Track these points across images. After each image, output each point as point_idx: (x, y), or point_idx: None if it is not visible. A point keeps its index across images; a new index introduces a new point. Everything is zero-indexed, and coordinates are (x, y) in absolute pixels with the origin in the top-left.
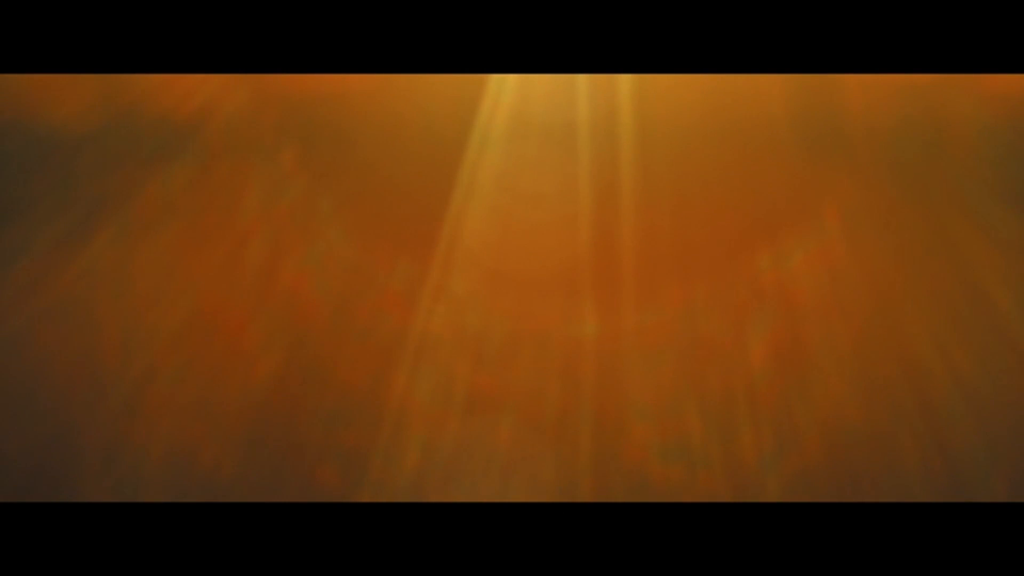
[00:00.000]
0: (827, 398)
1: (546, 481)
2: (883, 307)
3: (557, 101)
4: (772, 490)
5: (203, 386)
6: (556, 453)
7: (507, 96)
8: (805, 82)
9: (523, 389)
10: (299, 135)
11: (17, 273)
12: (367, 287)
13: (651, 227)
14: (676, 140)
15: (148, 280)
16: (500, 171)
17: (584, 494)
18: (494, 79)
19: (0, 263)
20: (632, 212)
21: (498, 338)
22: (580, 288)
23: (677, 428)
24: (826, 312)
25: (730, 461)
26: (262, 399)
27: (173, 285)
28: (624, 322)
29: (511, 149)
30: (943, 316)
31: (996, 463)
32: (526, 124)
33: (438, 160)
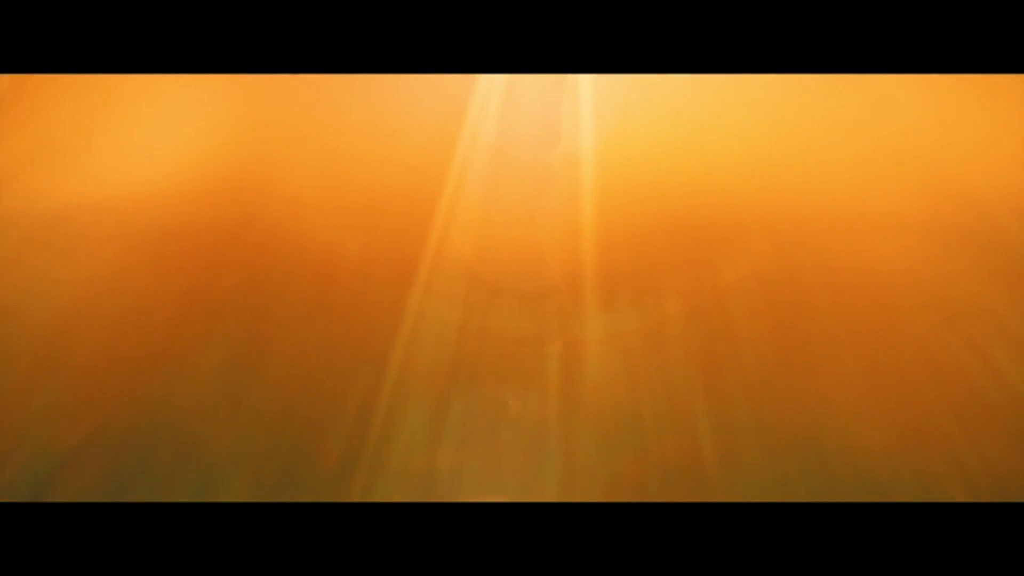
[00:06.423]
0: (844, 396)
1: (545, 482)
2: (898, 304)
3: (550, 102)
4: (773, 490)
5: (181, 384)
6: (556, 454)
7: (497, 97)
8: (809, 80)
9: (519, 390)
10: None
11: None
12: (358, 287)
13: (649, 227)
14: (676, 141)
15: (134, 275)
16: (491, 173)
17: (585, 495)
18: (484, 79)
19: None
20: (630, 213)
21: (494, 340)
22: (579, 288)
23: (679, 428)
24: (838, 312)
25: (733, 461)
26: (246, 399)
27: (152, 279)
28: (622, 323)
29: (500, 155)
30: (972, 312)
31: None
32: (518, 127)
33: (427, 161)
